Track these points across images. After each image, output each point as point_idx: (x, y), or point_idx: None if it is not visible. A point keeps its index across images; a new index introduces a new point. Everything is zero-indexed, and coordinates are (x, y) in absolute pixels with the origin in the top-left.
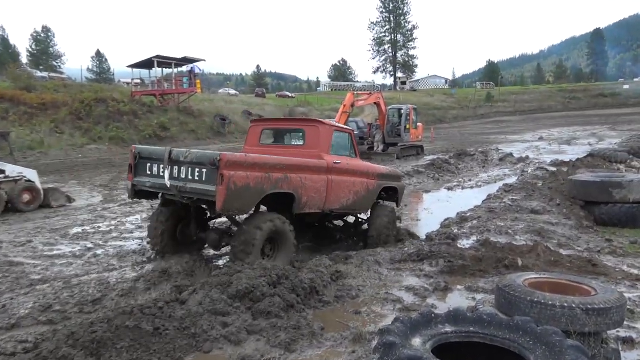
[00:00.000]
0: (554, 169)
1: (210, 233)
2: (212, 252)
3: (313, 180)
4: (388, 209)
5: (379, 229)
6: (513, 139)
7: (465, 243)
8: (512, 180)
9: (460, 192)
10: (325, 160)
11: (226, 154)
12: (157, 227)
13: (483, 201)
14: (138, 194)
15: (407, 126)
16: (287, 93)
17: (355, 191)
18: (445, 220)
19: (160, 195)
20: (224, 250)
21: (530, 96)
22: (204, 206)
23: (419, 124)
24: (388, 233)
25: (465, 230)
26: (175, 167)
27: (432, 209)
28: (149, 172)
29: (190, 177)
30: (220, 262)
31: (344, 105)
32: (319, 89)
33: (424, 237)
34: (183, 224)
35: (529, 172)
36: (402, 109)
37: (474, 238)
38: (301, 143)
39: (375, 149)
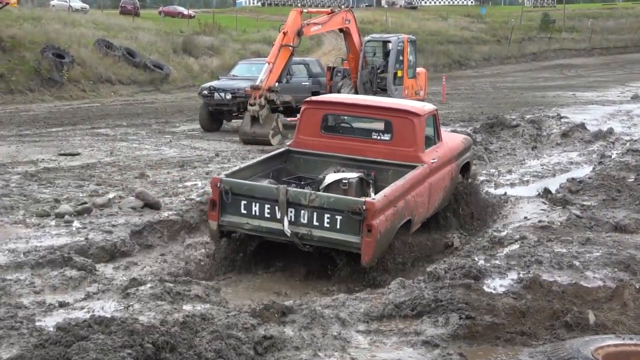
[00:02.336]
0: None
1: None
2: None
3: (420, 194)
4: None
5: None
6: (587, 97)
7: (497, 284)
8: (584, 171)
9: (492, 192)
10: (426, 164)
11: (373, 201)
12: None
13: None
14: (225, 235)
15: (399, 73)
16: (181, 9)
17: (445, 186)
18: (462, 242)
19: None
20: (62, 297)
21: (619, 22)
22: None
23: (419, 70)
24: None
25: (497, 262)
26: (292, 210)
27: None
28: (245, 212)
29: (316, 223)
30: (50, 320)
31: (284, 34)
32: (239, 2)
33: (425, 274)
34: None
35: (613, 157)
36: (389, 42)
37: (513, 276)
38: (387, 138)
39: None
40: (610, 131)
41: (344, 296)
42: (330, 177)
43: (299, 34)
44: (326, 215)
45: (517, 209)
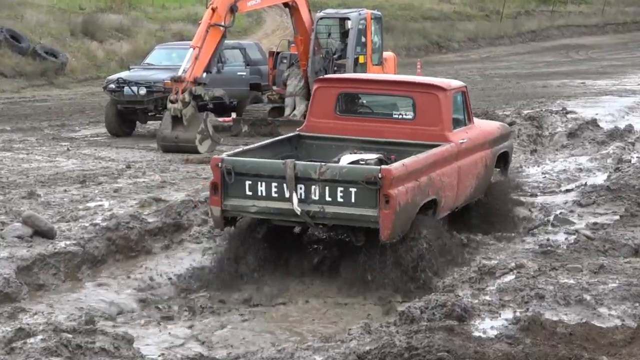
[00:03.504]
0: None
1: None
2: None
3: (447, 175)
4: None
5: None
6: (599, 86)
7: (487, 326)
8: (596, 180)
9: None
10: (454, 144)
11: (389, 168)
12: None
13: (529, 230)
14: (230, 221)
15: (361, 58)
16: None
17: (477, 173)
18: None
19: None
20: None
21: None
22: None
23: (387, 55)
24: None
25: (488, 297)
26: (301, 186)
27: None
28: (250, 193)
29: (329, 199)
30: None
31: (213, 10)
32: None
33: (396, 314)
34: None
35: (634, 161)
36: (348, 20)
37: (508, 315)
38: (409, 116)
39: (288, 110)
40: (630, 129)
41: (293, 346)
42: (346, 159)
43: (233, 10)
44: (339, 189)
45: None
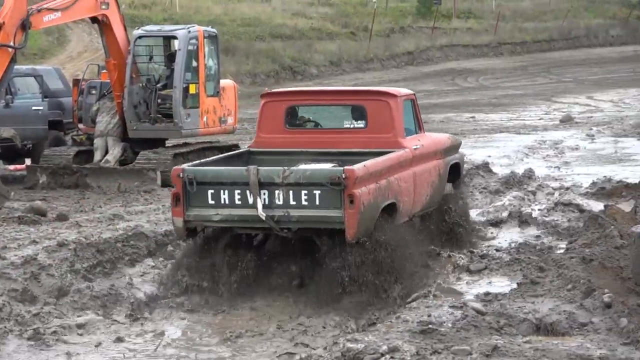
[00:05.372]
0: (599, 205)
1: None
2: None
3: (405, 180)
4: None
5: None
6: (492, 122)
7: None
8: (488, 240)
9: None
10: (408, 149)
11: (352, 168)
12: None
13: (405, 302)
14: (193, 232)
15: (192, 88)
16: None
17: (431, 182)
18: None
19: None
20: None
21: (539, 2)
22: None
23: (225, 83)
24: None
25: None
26: (265, 191)
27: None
28: (212, 202)
29: (293, 203)
30: None
31: (0, 26)
32: None
33: None
34: None
35: (535, 215)
36: (174, 38)
37: None
38: (361, 125)
39: (99, 155)
40: (529, 174)
41: None
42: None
43: (25, 26)
44: (303, 192)
45: None
